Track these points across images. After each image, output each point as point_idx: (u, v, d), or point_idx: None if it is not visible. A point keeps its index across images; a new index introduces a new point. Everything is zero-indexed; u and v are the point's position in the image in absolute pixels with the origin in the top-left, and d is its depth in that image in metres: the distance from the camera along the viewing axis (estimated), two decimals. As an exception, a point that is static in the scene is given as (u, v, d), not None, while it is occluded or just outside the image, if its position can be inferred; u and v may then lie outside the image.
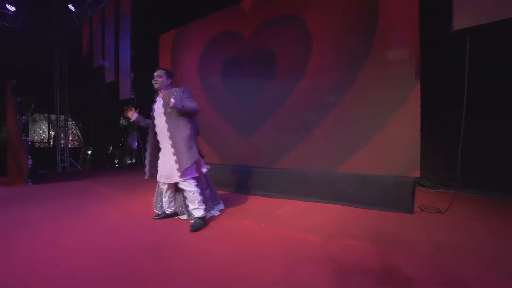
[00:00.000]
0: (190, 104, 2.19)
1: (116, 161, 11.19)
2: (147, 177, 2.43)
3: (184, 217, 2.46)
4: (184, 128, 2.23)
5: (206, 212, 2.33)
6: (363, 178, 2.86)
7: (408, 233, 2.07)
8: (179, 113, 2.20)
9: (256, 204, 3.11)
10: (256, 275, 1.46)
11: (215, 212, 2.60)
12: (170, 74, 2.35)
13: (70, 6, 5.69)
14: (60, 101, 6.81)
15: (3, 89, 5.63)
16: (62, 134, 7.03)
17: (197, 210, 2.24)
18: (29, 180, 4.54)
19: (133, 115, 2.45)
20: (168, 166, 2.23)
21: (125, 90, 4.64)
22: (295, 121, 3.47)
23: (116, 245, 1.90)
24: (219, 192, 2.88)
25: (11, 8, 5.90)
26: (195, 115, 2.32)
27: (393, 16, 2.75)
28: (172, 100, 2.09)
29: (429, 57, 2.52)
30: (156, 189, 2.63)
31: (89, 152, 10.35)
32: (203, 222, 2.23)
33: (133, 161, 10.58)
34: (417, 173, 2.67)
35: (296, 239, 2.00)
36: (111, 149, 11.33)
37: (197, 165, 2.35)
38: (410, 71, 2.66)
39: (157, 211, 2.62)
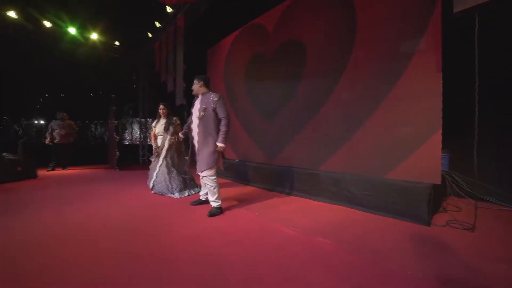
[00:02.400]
0: (223, 128, 2.55)
1: (187, 157, 13.24)
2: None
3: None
4: (212, 135, 2.57)
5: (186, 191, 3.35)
6: (373, 181, 2.67)
7: (395, 242, 1.91)
8: (212, 118, 2.56)
9: (265, 198, 3.35)
10: (222, 246, 1.80)
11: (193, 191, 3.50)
12: (201, 79, 2.72)
13: (149, 34, 7.32)
14: (143, 108, 8.75)
15: (108, 101, 7.76)
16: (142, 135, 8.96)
17: (214, 202, 2.64)
18: (117, 167, 6.13)
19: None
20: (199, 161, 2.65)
21: (180, 97, 5.64)
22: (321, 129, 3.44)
23: (129, 211, 2.58)
24: (234, 183, 3.24)
25: (117, 43, 8.12)
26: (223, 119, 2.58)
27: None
28: (220, 146, 2.55)
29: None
30: (149, 171, 3.54)
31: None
32: (219, 211, 2.63)
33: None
34: (437, 180, 2.31)
35: (274, 229, 2.17)
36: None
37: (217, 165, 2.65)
38: (430, 63, 2.35)
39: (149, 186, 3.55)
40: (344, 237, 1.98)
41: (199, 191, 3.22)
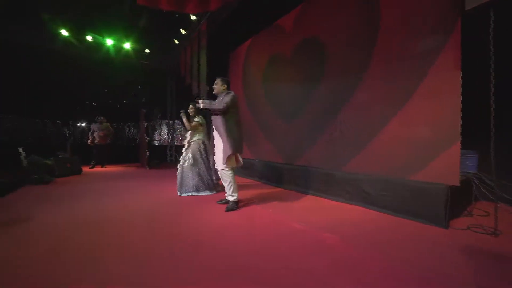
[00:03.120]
0: (212, 105, 2.75)
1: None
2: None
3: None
4: (222, 132, 2.72)
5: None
6: (389, 181, 2.66)
7: (405, 241, 1.93)
8: (220, 115, 2.71)
9: (282, 196, 3.47)
10: (235, 239, 1.98)
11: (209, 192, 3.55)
12: (224, 81, 2.87)
13: (175, 41, 7.81)
14: (171, 111, 9.34)
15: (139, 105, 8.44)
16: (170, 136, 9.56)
17: (230, 196, 2.83)
18: (147, 166, 6.67)
19: None
20: (217, 157, 2.85)
21: (203, 100, 5.97)
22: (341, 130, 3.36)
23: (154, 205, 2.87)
24: (254, 182, 3.44)
25: (147, 50, 8.78)
26: (217, 113, 2.74)
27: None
28: (200, 104, 2.84)
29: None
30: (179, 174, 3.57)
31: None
32: (235, 206, 2.81)
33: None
34: (455, 182, 2.24)
35: (284, 224, 2.30)
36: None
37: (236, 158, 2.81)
38: (449, 61, 2.28)
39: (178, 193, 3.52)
40: (353, 234, 2.03)
41: (212, 193, 3.51)
